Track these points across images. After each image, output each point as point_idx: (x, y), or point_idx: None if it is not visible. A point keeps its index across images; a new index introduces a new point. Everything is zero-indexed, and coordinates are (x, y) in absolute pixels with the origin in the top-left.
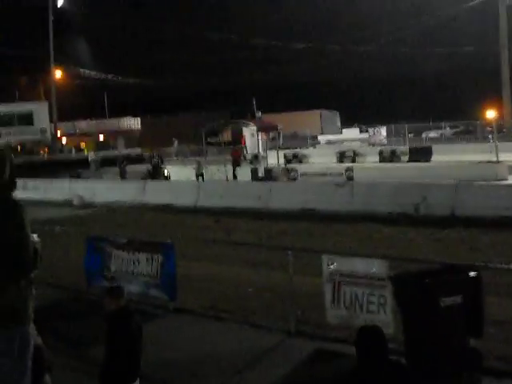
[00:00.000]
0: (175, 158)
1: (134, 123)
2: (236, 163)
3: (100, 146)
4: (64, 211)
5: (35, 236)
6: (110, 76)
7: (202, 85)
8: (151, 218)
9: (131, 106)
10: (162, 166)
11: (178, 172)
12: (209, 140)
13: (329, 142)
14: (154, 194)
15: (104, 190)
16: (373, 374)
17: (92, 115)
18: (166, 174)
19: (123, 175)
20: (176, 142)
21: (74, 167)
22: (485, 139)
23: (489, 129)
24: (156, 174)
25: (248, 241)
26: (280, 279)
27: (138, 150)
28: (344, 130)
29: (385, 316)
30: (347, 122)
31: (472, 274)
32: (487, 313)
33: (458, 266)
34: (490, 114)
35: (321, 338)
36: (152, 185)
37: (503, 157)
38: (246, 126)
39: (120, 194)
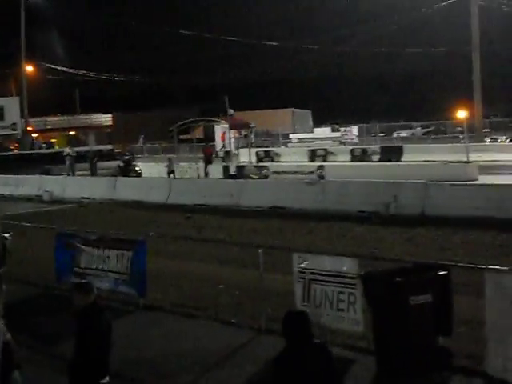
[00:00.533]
0: (146, 155)
1: (105, 120)
2: (208, 160)
3: (71, 142)
4: (34, 207)
5: (7, 234)
6: (81, 72)
7: (174, 82)
8: (122, 214)
9: (103, 102)
10: (134, 163)
11: (150, 169)
12: (180, 137)
13: (301, 141)
14: (125, 190)
15: (74, 186)
16: (298, 354)
17: (63, 111)
18: (138, 171)
19: (94, 171)
20: (141, 139)
21: (45, 162)
22: (455, 139)
23: (459, 129)
24: (128, 170)
25: (219, 238)
26: (251, 277)
27: (108, 147)
28: (316, 129)
29: (355, 314)
30: (319, 121)
31: (441, 273)
32: (457, 312)
33: (427, 265)
34: (461, 114)
35: None
36: (123, 181)
37: (473, 157)
38: (218, 124)
39: (90, 190)
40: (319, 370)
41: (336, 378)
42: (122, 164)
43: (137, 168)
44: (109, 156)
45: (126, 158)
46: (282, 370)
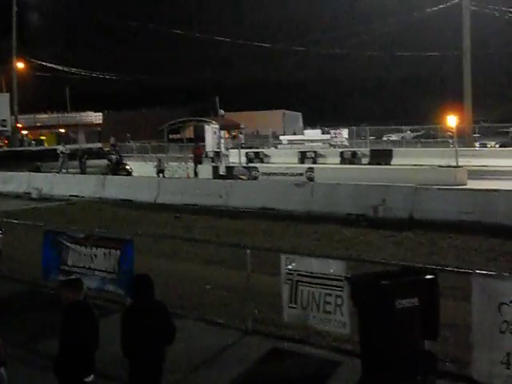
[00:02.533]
0: (136, 154)
1: (95, 118)
2: (197, 161)
3: (60, 139)
4: (22, 204)
5: None
6: (72, 70)
7: (165, 81)
8: (110, 212)
9: (93, 100)
10: (124, 162)
11: (139, 168)
12: (170, 137)
13: (291, 142)
14: (114, 189)
15: (63, 184)
16: (140, 310)
17: (53, 109)
18: (128, 170)
19: (83, 169)
20: (112, 140)
21: (34, 160)
22: (445, 144)
23: (449, 133)
24: (118, 169)
25: (207, 238)
26: (238, 277)
27: (98, 145)
28: (306, 131)
29: (341, 316)
30: (309, 123)
31: (429, 277)
32: (443, 316)
33: (414, 269)
34: (451, 119)
35: (277, 337)
36: (112, 180)
37: (462, 162)
38: (209, 124)
39: (79, 188)
40: (158, 323)
41: (172, 331)
42: (110, 163)
43: (127, 167)
44: (98, 154)
45: (116, 156)
46: (128, 322)
